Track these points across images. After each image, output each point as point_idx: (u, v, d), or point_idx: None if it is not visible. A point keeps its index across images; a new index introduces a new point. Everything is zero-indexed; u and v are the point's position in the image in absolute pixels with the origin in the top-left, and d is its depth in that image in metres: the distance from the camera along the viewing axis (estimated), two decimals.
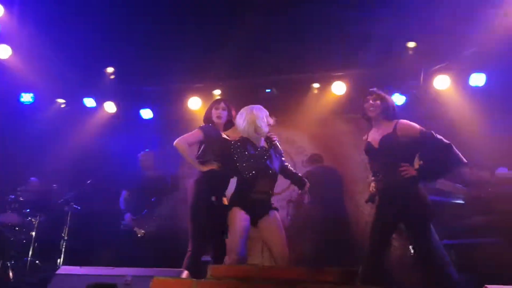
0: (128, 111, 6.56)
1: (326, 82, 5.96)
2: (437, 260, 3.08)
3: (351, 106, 5.68)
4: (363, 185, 3.63)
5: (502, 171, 4.41)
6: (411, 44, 5.27)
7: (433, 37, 4.95)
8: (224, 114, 3.65)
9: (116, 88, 6.21)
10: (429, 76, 5.51)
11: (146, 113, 6.50)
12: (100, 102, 6.41)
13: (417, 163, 3.33)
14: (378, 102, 3.39)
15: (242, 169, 3.32)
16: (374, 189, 3.35)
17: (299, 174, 3.58)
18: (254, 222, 3.34)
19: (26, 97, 6.20)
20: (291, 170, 3.57)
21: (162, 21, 5.05)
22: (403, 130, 3.31)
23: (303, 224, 5.06)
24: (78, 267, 3.97)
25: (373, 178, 3.37)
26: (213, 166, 3.46)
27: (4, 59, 5.37)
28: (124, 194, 5.25)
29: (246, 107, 3.50)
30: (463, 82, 5.38)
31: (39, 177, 5.83)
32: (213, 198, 3.42)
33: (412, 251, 3.48)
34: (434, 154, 3.22)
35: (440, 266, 3.07)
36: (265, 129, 3.42)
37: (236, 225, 3.25)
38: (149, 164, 5.39)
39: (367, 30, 4.83)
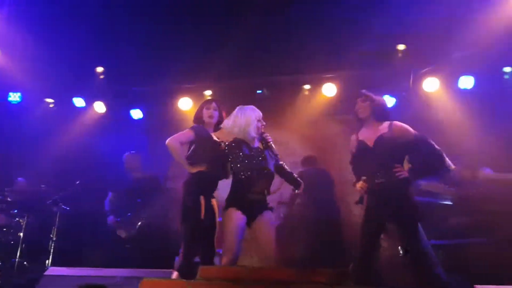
0: (118, 111, 6.51)
1: (316, 84, 5.98)
2: (426, 261, 3.11)
3: (341, 108, 5.71)
4: (353, 186, 3.68)
5: (486, 172, 4.48)
6: (401, 47, 5.31)
7: (423, 39, 4.99)
8: (216, 114, 3.65)
9: (105, 88, 6.16)
10: (418, 79, 5.55)
11: (136, 113, 6.45)
12: (89, 102, 6.35)
13: (406, 165, 3.37)
14: (367, 103, 3.45)
15: (237, 170, 3.37)
16: (363, 190, 3.37)
17: (295, 174, 3.56)
18: (249, 222, 3.36)
19: (14, 97, 6.12)
20: (287, 169, 3.54)
21: (153, 22, 5.02)
22: (399, 131, 3.37)
23: (295, 225, 5.07)
24: (66, 268, 3.94)
25: (364, 178, 3.38)
26: (202, 167, 3.44)
27: None
28: (110, 195, 5.23)
29: (238, 108, 3.53)
30: (452, 85, 5.44)
31: (26, 178, 5.76)
32: (201, 199, 3.41)
33: (401, 252, 3.49)
34: (424, 158, 3.28)
35: (428, 267, 3.11)
36: (254, 131, 3.43)
37: (233, 226, 3.28)
38: (134, 165, 5.34)
39: (357, 32, 4.86)
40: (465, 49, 5.06)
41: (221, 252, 5.35)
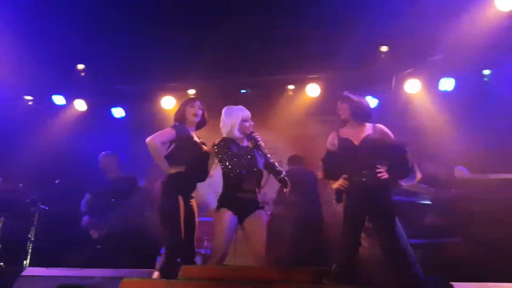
0: (99, 109, 6.43)
1: (300, 84, 6.00)
2: (405, 260, 3.17)
3: (325, 108, 5.74)
4: (327, 183, 3.79)
5: (460, 170, 4.58)
6: (384, 48, 5.37)
7: (405, 41, 5.05)
8: (200, 113, 3.63)
9: (87, 86, 6.06)
10: (400, 80, 5.63)
11: (118, 112, 6.38)
12: (70, 99, 6.25)
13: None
14: (345, 105, 3.55)
15: (226, 169, 3.40)
16: (344, 187, 3.40)
17: (283, 174, 3.54)
18: (240, 220, 3.38)
19: None
20: (277, 168, 3.54)
21: (137, 19, 4.96)
22: (382, 134, 3.51)
23: (279, 224, 5.08)
24: (44, 269, 3.86)
25: (345, 176, 3.42)
26: (181, 168, 3.41)
27: None
28: (87, 196, 5.17)
29: (226, 108, 3.57)
30: (433, 87, 5.53)
31: (4, 177, 5.63)
32: (180, 200, 3.37)
33: (381, 251, 3.54)
34: (394, 165, 3.41)
35: (407, 265, 3.17)
36: (240, 130, 3.46)
37: (222, 226, 3.31)
38: (109, 166, 5.28)
39: (341, 33, 4.89)
40: (446, 52, 5.14)
41: (202, 252, 5.38)
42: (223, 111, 3.56)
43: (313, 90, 5.88)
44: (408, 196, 4.44)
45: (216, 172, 5.99)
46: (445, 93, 5.45)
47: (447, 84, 5.41)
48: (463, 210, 4.11)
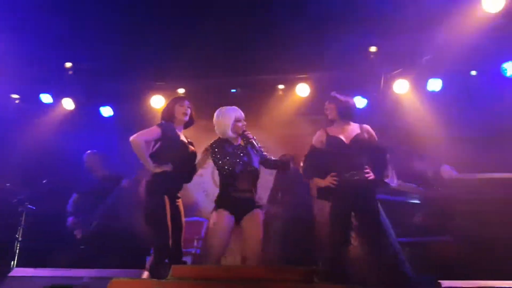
0: (87, 108, 6.35)
1: (290, 84, 6.02)
2: (393, 258, 3.21)
3: (315, 108, 5.75)
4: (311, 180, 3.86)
5: (447, 169, 4.65)
6: (373, 49, 5.40)
7: (394, 42, 5.09)
8: (189, 112, 3.61)
9: (75, 84, 6.00)
10: (389, 80, 5.67)
11: (106, 111, 6.32)
12: (57, 98, 6.17)
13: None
14: (333, 105, 3.63)
15: (221, 169, 3.41)
16: (333, 185, 3.43)
17: (280, 160, 3.62)
18: (237, 220, 3.39)
19: None
20: (272, 159, 3.59)
21: (126, 17, 4.92)
22: (369, 134, 3.60)
23: (270, 224, 5.08)
24: (32, 269, 3.83)
25: (334, 173, 3.45)
26: (167, 168, 3.37)
27: None
28: (74, 196, 5.14)
29: (219, 109, 3.60)
30: (421, 87, 5.58)
31: None
32: (166, 200, 3.35)
33: (369, 249, 3.57)
34: (379, 166, 3.50)
35: (395, 263, 3.20)
36: (233, 130, 3.49)
37: (219, 226, 3.32)
38: (95, 165, 5.25)
39: (330, 34, 4.92)
40: (434, 53, 5.20)
41: (193, 252, 5.37)
42: (216, 112, 3.59)
43: (303, 90, 5.90)
44: (397, 195, 4.49)
45: (205, 172, 6.03)
46: (433, 93, 5.51)
47: (435, 84, 5.47)
48: (451, 209, 4.17)
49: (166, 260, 3.31)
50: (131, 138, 3.37)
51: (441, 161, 4.76)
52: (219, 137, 3.55)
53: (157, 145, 3.45)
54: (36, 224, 5.26)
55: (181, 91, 6.07)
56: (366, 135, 3.56)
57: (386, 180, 3.50)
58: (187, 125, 3.67)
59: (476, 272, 3.47)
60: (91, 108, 6.36)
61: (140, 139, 3.36)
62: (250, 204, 3.41)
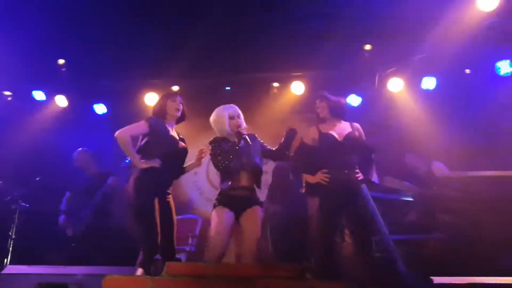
0: (80, 106, 6.31)
1: (285, 82, 6.02)
2: (386, 255, 3.24)
3: (310, 106, 5.75)
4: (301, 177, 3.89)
5: (438, 166, 4.68)
6: (367, 47, 5.42)
7: (388, 40, 5.11)
8: (181, 108, 3.60)
9: (68, 81, 5.96)
10: (383, 79, 5.69)
11: (100, 108, 6.28)
12: (50, 95, 6.13)
13: None
14: (324, 103, 3.69)
15: (219, 166, 3.40)
16: (324, 181, 3.44)
17: (281, 145, 3.60)
18: (237, 217, 3.39)
19: None
20: (274, 149, 3.61)
21: (120, 14, 4.90)
22: (359, 133, 3.66)
23: (264, 221, 5.09)
24: (26, 266, 3.80)
25: (325, 170, 3.47)
26: (155, 164, 3.34)
27: None
28: (67, 195, 5.12)
29: (217, 108, 3.61)
30: (415, 85, 5.60)
31: None
32: (154, 197, 3.32)
33: (361, 247, 3.59)
34: (365, 165, 3.57)
35: (388, 261, 3.23)
36: (228, 128, 3.50)
37: (218, 224, 3.32)
38: (86, 163, 5.24)
39: (325, 32, 4.92)
40: (428, 51, 5.22)
41: (187, 249, 5.37)
42: (213, 111, 3.63)
43: (297, 88, 5.90)
44: (390, 192, 4.51)
45: (200, 170, 6.02)
46: (427, 91, 5.53)
47: (429, 83, 5.49)
48: (444, 207, 4.20)
49: (159, 257, 3.30)
50: (117, 133, 3.34)
51: (434, 158, 4.79)
52: (216, 136, 3.56)
53: (144, 140, 3.41)
54: (30, 222, 5.23)
55: (175, 88, 6.05)
56: (357, 133, 3.62)
57: (372, 178, 3.53)
58: (179, 120, 3.66)
59: (468, 269, 3.50)
60: (85, 106, 6.33)
61: (126, 134, 3.33)
62: (249, 201, 3.41)
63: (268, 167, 4.65)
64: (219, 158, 3.38)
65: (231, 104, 3.64)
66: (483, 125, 5.08)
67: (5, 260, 4.92)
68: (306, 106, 5.94)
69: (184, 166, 3.65)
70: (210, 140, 3.53)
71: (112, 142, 5.78)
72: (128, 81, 6.15)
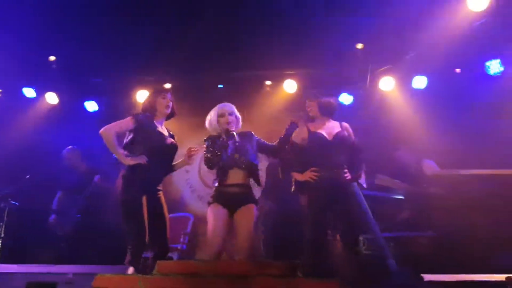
0: (71, 103, 6.26)
1: (278, 80, 6.02)
2: (377, 252, 3.26)
3: (302, 104, 5.76)
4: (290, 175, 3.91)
5: (429, 164, 4.72)
6: (359, 46, 5.43)
7: (380, 39, 5.13)
8: (171, 105, 3.58)
9: (58, 78, 5.90)
10: (375, 78, 5.71)
11: (91, 106, 6.24)
12: (41, 92, 6.07)
13: None
14: (314, 102, 3.71)
15: (205, 163, 3.41)
16: (313, 180, 3.45)
17: (281, 139, 3.60)
18: (231, 214, 3.39)
19: None
20: (273, 144, 3.61)
21: (112, 11, 4.86)
22: (349, 132, 3.67)
23: (258, 219, 5.10)
24: (15, 265, 3.78)
25: (314, 168, 3.49)
26: (142, 160, 3.30)
27: None
28: (59, 194, 5.09)
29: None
30: (406, 84, 5.64)
31: None
32: (142, 194, 3.28)
33: (351, 245, 3.61)
34: (353, 165, 3.57)
35: (379, 258, 3.25)
36: (218, 126, 3.50)
37: (213, 222, 3.32)
38: (75, 161, 5.20)
39: (317, 31, 4.93)
40: (419, 50, 5.25)
41: (179, 247, 5.35)
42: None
43: (290, 86, 5.91)
44: (381, 190, 4.54)
45: (192, 168, 6.01)
46: (418, 90, 5.57)
47: (420, 82, 5.53)
48: (435, 205, 4.23)
49: (149, 255, 3.28)
50: (101, 130, 3.30)
51: (425, 156, 4.82)
52: (210, 134, 3.56)
53: (130, 137, 3.37)
54: (19, 220, 5.19)
55: (167, 86, 6.01)
56: (346, 133, 3.63)
57: (359, 181, 3.55)
58: (169, 117, 3.63)
59: (458, 267, 3.53)
60: (76, 103, 6.28)
61: (110, 131, 3.29)
62: (243, 199, 3.40)
63: (262, 164, 4.63)
64: (209, 155, 3.38)
65: (226, 103, 3.65)
66: (473, 124, 5.13)
67: None
68: (298, 104, 5.95)
69: (173, 164, 3.61)
70: (206, 138, 3.54)
71: (103, 140, 5.83)
72: (120, 79, 6.11)
